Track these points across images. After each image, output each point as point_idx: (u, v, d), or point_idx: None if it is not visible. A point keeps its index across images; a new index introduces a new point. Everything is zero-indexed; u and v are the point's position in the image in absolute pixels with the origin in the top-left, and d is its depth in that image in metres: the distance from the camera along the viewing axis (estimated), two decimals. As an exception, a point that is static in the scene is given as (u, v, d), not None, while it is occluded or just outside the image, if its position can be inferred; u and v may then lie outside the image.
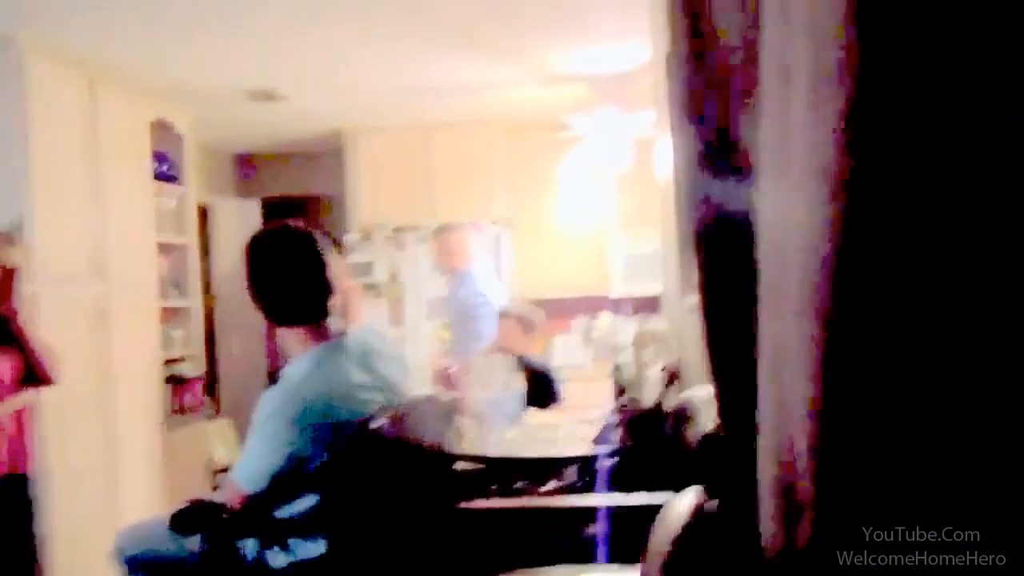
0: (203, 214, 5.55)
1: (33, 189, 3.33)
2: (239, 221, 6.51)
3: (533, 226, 5.73)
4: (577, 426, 3.07)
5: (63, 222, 3.52)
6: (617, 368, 3.05)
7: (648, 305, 5.58)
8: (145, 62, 3.91)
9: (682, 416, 1.71)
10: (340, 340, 2.17)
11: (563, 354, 5.70)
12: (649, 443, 2.38)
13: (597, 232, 5.75)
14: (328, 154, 6.15)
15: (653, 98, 3.09)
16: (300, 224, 2.26)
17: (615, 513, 2.21)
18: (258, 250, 2.18)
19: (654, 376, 2.70)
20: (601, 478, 2.36)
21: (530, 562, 2.06)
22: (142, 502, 3.95)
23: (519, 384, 2.94)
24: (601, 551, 2.13)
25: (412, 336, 5.38)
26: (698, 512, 0.88)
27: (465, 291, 4.44)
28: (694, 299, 2.02)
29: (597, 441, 2.64)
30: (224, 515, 2.06)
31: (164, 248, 4.45)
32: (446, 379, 3.13)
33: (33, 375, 3.00)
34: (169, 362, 4.43)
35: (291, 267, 2.15)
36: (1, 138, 3.31)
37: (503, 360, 3.20)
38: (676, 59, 0.97)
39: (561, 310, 5.75)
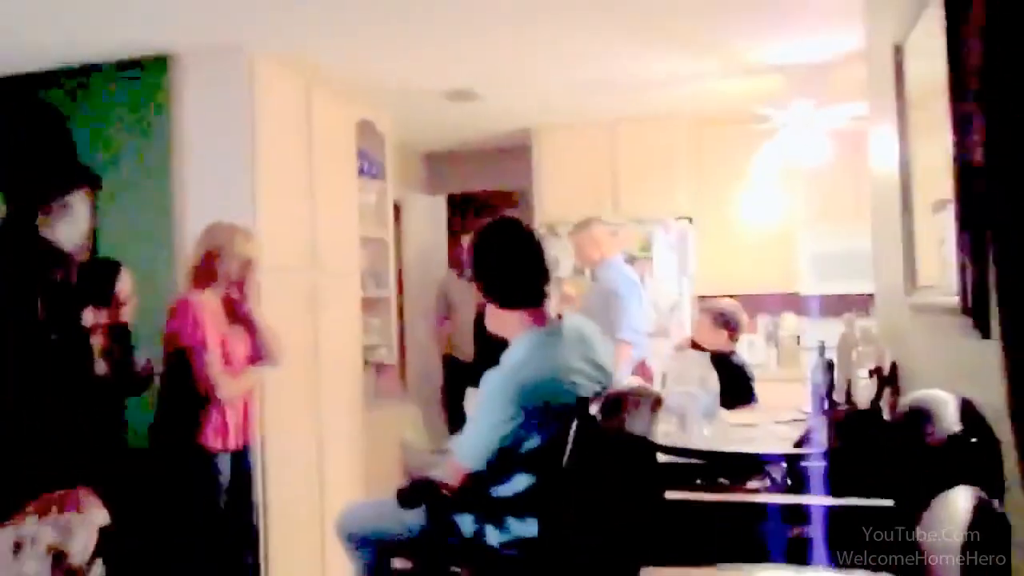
0: (395, 210, 5.83)
1: (259, 185, 3.63)
2: (426, 217, 6.81)
3: (718, 221, 5.63)
4: (773, 426, 3.01)
5: (283, 215, 3.82)
6: (817, 369, 2.96)
7: (838, 304, 5.35)
8: (355, 66, 4.16)
9: (917, 417, 1.65)
10: (558, 325, 2.26)
11: (746, 353, 5.58)
12: (863, 445, 2.31)
13: (784, 228, 5.57)
14: (513, 151, 6.30)
15: (866, 87, 2.96)
16: (514, 218, 2.40)
17: (826, 515, 2.16)
18: (487, 239, 2.33)
19: (862, 378, 2.60)
20: (810, 478, 2.31)
21: (735, 557, 2.05)
22: (344, 479, 4.22)
23: (715, 381, 2.92)
24: (812, 552, 2.08)
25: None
26: (979, 511, 0.86)
27: (605, 277, 4.57)
28: (927, 298, 1.93)
29: (800, 442, 2.58)
30: (444, 492, 2.18)
31: (364, 241, 4.72)
32: (642, 371, 3.14)
33: (259, 356, 3.28)
34: (367, 349, 4.70)
35: (517, 254, 2.28)
36: (233, 138, 3.63)
37: (698, 356, 3.18)
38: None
39: (744, 308, 5.62)
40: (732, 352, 3.77)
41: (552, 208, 5.59)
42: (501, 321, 2.31)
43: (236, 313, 3.20)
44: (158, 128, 3.67)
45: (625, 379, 3.12)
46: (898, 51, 1.98)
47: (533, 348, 2.21)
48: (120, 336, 3.09)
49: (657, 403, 2.26)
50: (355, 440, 4.38)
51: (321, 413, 4.05)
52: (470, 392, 4.73)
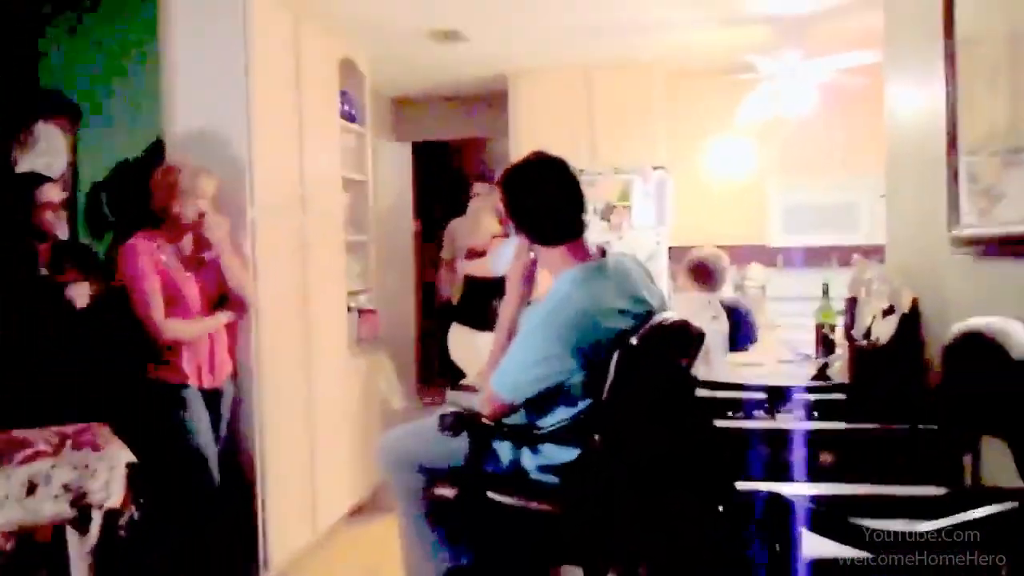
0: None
1: (253, 121, 3.51)
2: (392, 163, 6.72)
3: (690, 172, 5.72)
4: (779, 365, 3.12)
5: (275, 154, 3.70)
6: (824, 311, 3.07)
7: (813, 255, 5.54)
8: (343, 1, 4.05)
9: (972, 346, 1.73)
10: (601, 261, 2.28)
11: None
12: (885, 377, 2.42)
13: (755, 180, 5.70)
14: (485, 98, 6.25)
15: (854, 37, 3.03)
16: (550, 154, 2.39)
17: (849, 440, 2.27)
18: (519, 176, 2.32)
19: (874, 316, 2.70)
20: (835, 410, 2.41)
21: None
22: (332, 421, 4.19)
23: (725, 322, 2.99)
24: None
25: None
26: None
27: None
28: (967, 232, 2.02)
29: (819, 377, 2.68)
30: (483, 422, 2.20)
31: (344, 184, 4.63)
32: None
33: (226, 300, 3.23)
34: (348, 294, 4.64)
35: (551, 189, 2.28)
36: (227, 73, 3.47)
37: (707, 297, 3.25)
38: None
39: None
40: (729, 295, 3.87)
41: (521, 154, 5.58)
42: (542, 259, 2.32)
43: (199, 255, 3.18)
44: (147, 58, 3.51)
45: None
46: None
47: (576, 285, 2.22)
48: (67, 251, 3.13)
49: (700, 338, 2.31)
50: (341, 383, 4.34)
51: (311, 353, 4.00)
52: (454, 329, 4.72)
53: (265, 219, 3.58)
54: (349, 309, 4.61)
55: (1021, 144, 1.85)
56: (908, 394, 2.35)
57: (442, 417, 2.20)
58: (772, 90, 4.46)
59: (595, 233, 5.21)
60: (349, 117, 4.69)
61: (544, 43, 5.00)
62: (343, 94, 4.61)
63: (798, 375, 2.79)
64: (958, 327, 1.85)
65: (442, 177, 7.91)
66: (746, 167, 5.69)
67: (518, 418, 2.28)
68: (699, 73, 5.48)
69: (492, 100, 6.09)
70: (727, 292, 5.63)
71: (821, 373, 2.76)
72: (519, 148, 5.63)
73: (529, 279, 2.43)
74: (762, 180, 5.67)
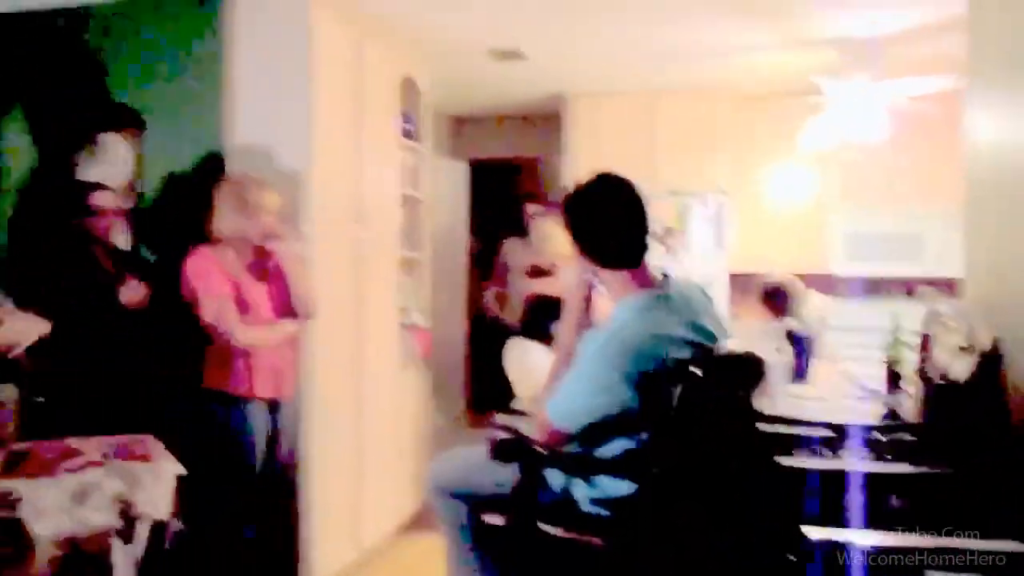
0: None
1: (313, 137, 3.53)
2: (449, 181, 6.71)
3: (751, 198, 5.60)
4: (842, 400, 2.99)
5: (334, 169, 3.72)
6: (894, 346, 2.94)
7: (876, 285, 5.36)
8: (407, 20, 4.06)
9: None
10: (663, 289, 2.20)
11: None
12: (961, 418, 2.29)
13: (817, 207, 5.55)
14: (541, 118, 6.22)
15: (929, 62, 2.90)
16: (615, 175, 2.32)
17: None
18: (583, 198, 2.26)
19: (949, 355, 2.57)
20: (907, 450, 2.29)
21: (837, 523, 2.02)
22: (381, 435, 4.17)
23: (789, 352, 2.88)
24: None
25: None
26: None
27: None
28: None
29: (886, 416, 2.56)
30: (537, 449, 2.13)
31: (401, 201, 4.62)
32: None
33: (290, 310, 3.21)
34: (400, 311, 4.62)
35: (614, 211, 2.21)
36: (289, 88, 3.51)
37: (771, 326, 3.14)
38: None
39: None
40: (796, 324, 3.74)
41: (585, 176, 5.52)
42: (603, 282, 2.26)
43: (263, 266, 3.17)
44: (209, 72, 3.55)
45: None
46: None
47: (636, 312, 2.15)
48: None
49: (763, 368, 2.21)
50: (392, 400, 4.32)
51: (362, 369, 3.98)
52: (513, 345, 4.64)
53: (321, 233, 3.59)
54: (402, 326, 4.59)
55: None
56: (987, 438, 2.21)
57: (494, 443, 2.14)
58: (837, 115, 4.33)
59: (651, 256, 5.11)
60: (408, 135, 4.70)
61: (605, 65, 4.95)
62: (403, 112, 4.62)
63: (864, 412, 2.66)
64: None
65: (498, 196, 7.89)
66: (808, 193, 5.55)
67: (573, 447, 2.21)
68: (763, 97, 5.36)
69: (548, 120, 6.06)
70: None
71: (890, 411, 2.64)
72: (576, 169, 5.58)
73: (587, 303, 2.37)
74: (824, 207, 5.52)
